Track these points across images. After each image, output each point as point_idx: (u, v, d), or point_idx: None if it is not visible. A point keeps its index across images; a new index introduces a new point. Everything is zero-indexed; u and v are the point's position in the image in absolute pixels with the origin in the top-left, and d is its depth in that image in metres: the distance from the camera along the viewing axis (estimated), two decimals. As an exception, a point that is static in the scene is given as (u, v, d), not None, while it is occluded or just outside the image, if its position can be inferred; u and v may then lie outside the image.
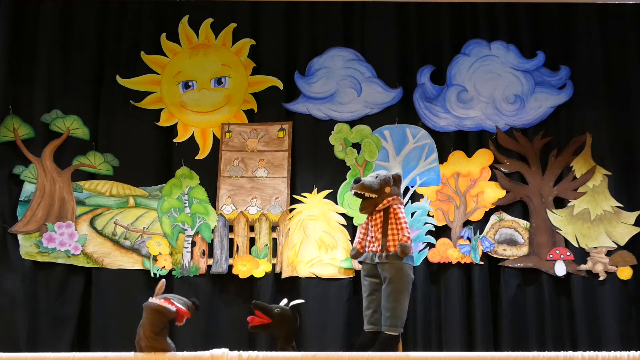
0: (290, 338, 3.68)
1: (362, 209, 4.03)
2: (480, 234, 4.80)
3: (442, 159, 4.94)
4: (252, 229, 4.89)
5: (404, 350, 4.10)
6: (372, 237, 3.99)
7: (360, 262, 4.09)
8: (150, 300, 3.55)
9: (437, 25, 5.11)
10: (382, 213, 3.98)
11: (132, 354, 3.53)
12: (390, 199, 3.98)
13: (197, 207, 4.89)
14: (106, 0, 5.15)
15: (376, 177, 4.04)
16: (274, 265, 4.81)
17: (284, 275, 4.77)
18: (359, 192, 3.96)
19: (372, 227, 4.00)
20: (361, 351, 3.80)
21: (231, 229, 4.89)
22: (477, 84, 5.02)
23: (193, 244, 4.85)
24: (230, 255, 4.83)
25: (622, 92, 5.00)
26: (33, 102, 4.96)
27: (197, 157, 4.99)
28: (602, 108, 4.97)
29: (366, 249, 4.01)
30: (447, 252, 4.77)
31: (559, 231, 4.80)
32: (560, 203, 4.87)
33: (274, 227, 4.88)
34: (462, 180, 4.89)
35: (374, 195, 3.97)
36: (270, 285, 4.76)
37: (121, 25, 5.12)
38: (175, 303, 3.53)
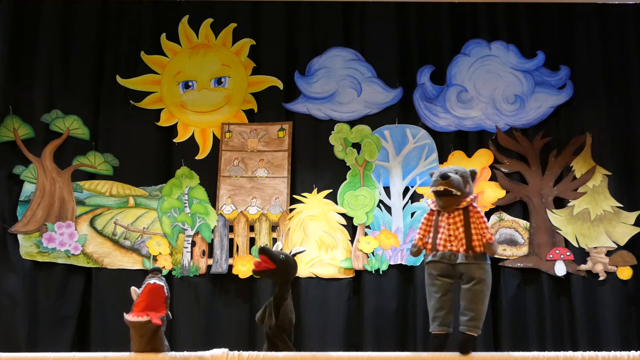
0: (289, 285, 3.71)
1: (446, 207, 3.77)
2: (480, 234, 4.79)
3: (442, 159, 4.94)
4: (252, 229, 4.89)
5: (403, 349, 4.09)
6: (449, 235, 3.76)
7: (430, 262, 3.81)
8: (125, 316, 3.49)
9: (437, 25, 5.11)
10: (461, 211, 3.77)
11: (132, 354, 3.52)
12: (472, 197, 3.82)
13: (197, 207, 4.89)
14: (106, 0, 5.16)
15: (456, 173, 3.80)
16: (274, 265, 4.80)
17: (284, 275, 4.77)
18: (449, 189, 3.73)
19: (448, 225, 3.77)
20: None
21: (231, 229, 4.89)
22: (477, 84, 5.02)
23: (193, 244, 4.85)
24: (230, 255, 4.83)
25: (622, 92, 5.00)
26: (33, 102, 4.96)
27: (197, 157, 4.99)
28: (602, 108, 4.97)
29: (438, 247, 3.76)
30: (447, 252, 4.77)
31: (559, 231, 4.80)
32: (560, 203, 4.87)
33: (274, 227, 4.89)
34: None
35: (459, 193, 3.75)
36: (270, 285, 4.73)
37: (121, 25, 5.12)
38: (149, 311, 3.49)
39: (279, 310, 3.63)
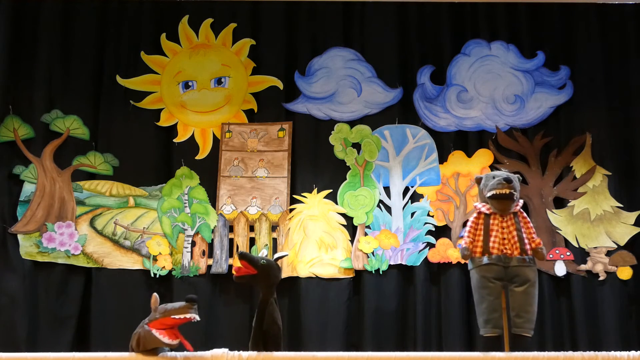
0: (273, 290, 3.70)
1: (504, 210, 3.79)
2: (480, 234, 4.79)
3: (442, 159, 4.94)
4: (252, 229, 4.89)
5: (403, 349, 4.09)
6: (502, 238, 3.79)
7: (484, 265, 3.79)
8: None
9: (437, 25, 5.12)
10: (512, 215, 3.81)
11: (133, 354, 3.52)
12: (521, 202, 3.88)
13: (197, 207, 4.89)
14: (106, 0, 5.16)
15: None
16: (274, 265, 4.80)
17: (283, 275, 4.73)
18: (513, 192, 3.77)
19: (502, 228, 3.80)
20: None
21: (231, 229, 4.89)
22: (477, 84, 5.02)
23: (193, 244, 4.85)
24: (230, 255, 4.83)
25: (622, 92, 5.01)
26: (33, 102, 4.97)
27: (197, 157, 5.00)
28: (602, 108, 4.97)
29: (492, 251, 3.77)
30: (447, 252, 4.77)
31: (559, 231, 4.80)
32: (560, 203, 4.87)
33: (274, 227, 4.88)
34: (462, 180, 4.90)
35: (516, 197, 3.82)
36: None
37: (121, 26, 5.13)
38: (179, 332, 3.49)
39: (263, 315, 3.63)
